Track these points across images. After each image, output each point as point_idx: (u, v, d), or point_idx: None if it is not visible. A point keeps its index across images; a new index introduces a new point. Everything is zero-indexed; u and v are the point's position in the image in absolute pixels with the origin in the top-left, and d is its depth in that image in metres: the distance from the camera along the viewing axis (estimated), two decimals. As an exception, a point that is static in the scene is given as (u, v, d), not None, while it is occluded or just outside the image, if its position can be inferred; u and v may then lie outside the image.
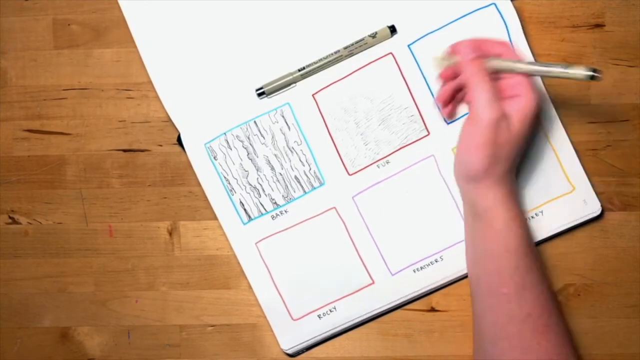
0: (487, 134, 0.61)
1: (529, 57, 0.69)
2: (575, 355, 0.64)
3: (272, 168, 0.71)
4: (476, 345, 0.67)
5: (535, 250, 0.65)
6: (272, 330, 0.72)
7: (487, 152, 0.61)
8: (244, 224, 0.72)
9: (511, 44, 0.66)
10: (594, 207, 0.70)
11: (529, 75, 0.62)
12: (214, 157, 0.71)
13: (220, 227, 0.72)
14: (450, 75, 0.66)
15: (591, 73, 0.58)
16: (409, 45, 0.70)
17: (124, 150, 0.74)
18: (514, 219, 0.63)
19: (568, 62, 0.65)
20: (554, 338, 0.62)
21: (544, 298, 0.63)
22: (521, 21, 0.70)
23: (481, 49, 0.64)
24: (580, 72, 0.59)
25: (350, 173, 0.71)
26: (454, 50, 0.65)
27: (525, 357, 0.62)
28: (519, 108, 0.61)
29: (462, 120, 0.70)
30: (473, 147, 0.62)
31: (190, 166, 0.72)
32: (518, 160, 0.65)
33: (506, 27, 0.69)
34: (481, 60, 0.63)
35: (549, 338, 0.62)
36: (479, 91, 0.61)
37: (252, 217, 0.71)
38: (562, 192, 0.70)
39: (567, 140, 0.70)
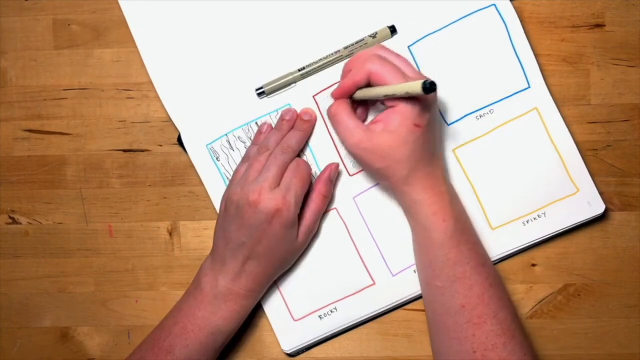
0: (358, 156, 0.65)
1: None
2: (517, 344, 0.64)
3: (274, 169, 0.71)
4: (429, 336, 0.69)
5: (470, 240, 0.66)
6: (272, 330, 0.72)
7: (371, 167, 0.65)
8: (245, 224, 0.72)
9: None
10: (598, 208, 0.70)
11: (385, 99, 0.63)
12: (217, 158, 0.71)
13: (220, 227, 0.72)
14: None
15: (422, 86, 0.58)
16: (409, 47, 0.70)
17: (124, 150, 0.74)
18: (435, 213, 0.64)
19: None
20: (489, 328, 0.63)
21: (478, 289, 0.64)
22: (521, 21, 0.69)
23: (352, 78, 0.66)
24: (415, 87, 0.59)
25: (351, 174, 0.71)
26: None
27: (462, 348, 0.63)
28: (393, 117, 0.63)
29: (463, 120, 0.70)
30: (364, 165, 0.67)
31: (190, 166, 0.72)
32: (419, 158, 0.64)
33: (506, 28, 0.69)
34: (338, 95, 0.67)
35: (483, 329, 0.63)
36: (335, 126, 0.66)
37: (254, 217, 0.72)
38: (566, 194, 0.70)
39: (570, 142, 0.70)
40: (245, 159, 0.69)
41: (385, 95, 0.63)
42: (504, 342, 0.63)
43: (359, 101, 0.68)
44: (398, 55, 0.66)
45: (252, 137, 0.71)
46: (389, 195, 0.71)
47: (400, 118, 0.62)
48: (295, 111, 0.71)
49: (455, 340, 0.64)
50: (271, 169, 0.66)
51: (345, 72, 0.67)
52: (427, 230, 0.65)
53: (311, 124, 0.71)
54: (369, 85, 0.65)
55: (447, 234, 0.64)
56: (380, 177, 0.67)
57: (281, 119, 0.70)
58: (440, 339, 0.65)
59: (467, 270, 0.64)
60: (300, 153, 0.70)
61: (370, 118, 0.69)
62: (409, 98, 0.62)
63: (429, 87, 0.58)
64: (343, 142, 0.65)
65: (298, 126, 0.70)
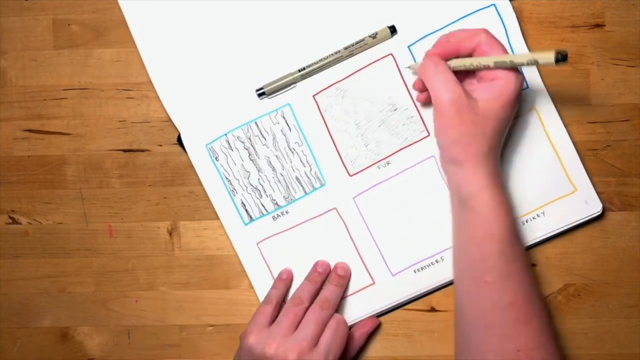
0: (449, 115, 0.62)
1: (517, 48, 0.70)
2: (555, 344, 0.64)
3: (273, 169, 0.71)
4: (457, 332, 0.67)
5: (520, 239, 0.65)
6: (272, 331, 0.72)
7: (457, 132, 0.62)
8: (246, 224, 0.72)
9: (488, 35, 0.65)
10: (595, 208, 0.70)
11: (491, 68, 0.62)
12: (216, 158, 0.71)
13: (220, 227, 0.72)
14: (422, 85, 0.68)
15: (555, 56, 0.57)
16: (409, 47, 0.70)
17: (124, 150, 0.74)
18: (499, 205, 0.63)
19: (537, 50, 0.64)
20: (534, 327, 0.62)
21: (527, 287, 0.63)
22: (521, 21, 0.69)
23: (454, 46, 0.64)
24: (545, 56, 0.58)
25: (351, 174, 0.71)
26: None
27: (504, 346, 0.62)
28: (490, 90, 0.62)
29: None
30: (443, 129, 0.64)
31: (190, 166, 0.72)
32: (497, 141, 0.64)
33: (505, 28, 0.69)
34: (435, 55, 0.64)
35: (529, 327, 0.62)
36: (433, 79, 0.63)
37: (254, 217, 0.72)
38: (564, 193, 0.70)
39: (568, 141, 0.70)
40: (267, 300, 0.69)
41: (499, 63, 0.61)
42: (547, 342, 0.63)
43: None
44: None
45: (251, 137, 0.71)
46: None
47: (501, 91, 0.62)
48: (329, 264, 0.71)
49: (498, 338, 0.62)
50: (310, 326, 0.65)
51: (443, 41, 0.65)
52: (489, 221, 0.63)
53: (347, 279, 0.71)
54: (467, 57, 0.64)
55: (508, 228, 0.63)
56: (458, 145, 0.63)
57: (314, 270, 0.70)
58: (481, 336, 0.63)
59: (518, 268, 0.63)
60: (301, 154, 0.71)
61: None
62: (511, 75, 0.61)
63: (563, 57, 0.57)
64: (439, 95, 0.63)
65: (334, 281, 0.70)
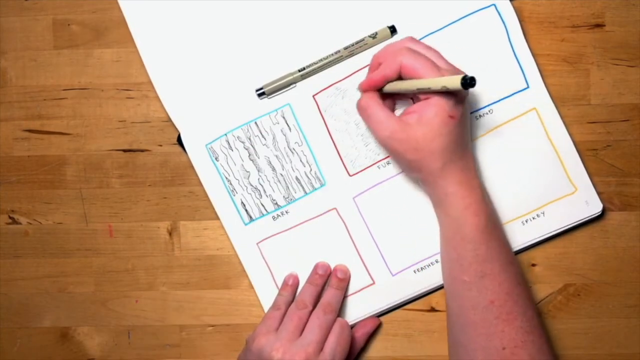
0: (391, 149, 0.65)
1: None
2: (542, 341, 0.64)
3: (273, 169, 0.71)
4: (448, 332, 0.68)
5: (498, 238, 0.65)
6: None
7: (403, 161, 0.66)
8: (246, 224, 0.72)
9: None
10: (595, 208, 0.70)
11: (419, 92, 0.63)
12: (216, 158, 0.71)
13: (220, 227, 0.72)
14: None
15: (461, 82, 0.58)
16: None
17: (124, 150, 0.74)
18: (467, 207, 0.64)
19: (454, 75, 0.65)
20: (519, 325, 0.63)
21: (507, 286, 0.63)
22: (521, 21, 0.69)
23: (384, 70, 0.65)
24: (453, 82, 0.58)
25: (351, 174, 0.71)
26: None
27: (490, 343, 0.63)
28: (428, 108, 0.62)
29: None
30: (397, 157, 0.67)
31: (190, 166, 0.72)
32: (452, 152, 0.63)
33: (505, 28, 0.69)
34: (367, 87, 0.66)
35: (513, 325, 0.63)
36: (367, 118, 0.66)
37: (254, 217, 0.72)
38: (564, 193, 0.70)
39: (569, 141, 0.70)
40: (275, 306, 0.69)
41: (420, 89, 0.62)
42: (533, 339, 0.63)
43: (387, 94, 0.67)
44: (429, 48, 0.65)
45: (251, 137, 0.71)
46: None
47: (435, 110, 0.62)
48: (329, 266, 0.71)
49: (484, 336, 0.63)
50: (315, 331, 0.66)
51: (374, 65, 0.67)
52: (459, 224, 0.64)
53: (347, 282, 0.71)
54: (399, 78, 0.65)
55: (479, 229, 0.64)
56: (412, 169, 0.66)
57: (315, 273, 0.71)
58: (467, 335, 0.65)
59: (496, 267, 0.64)
60: (301, 154, 0.71)
61: (398, 110, 0.69)
62: (440, 94, 0.62)
63: (469, 82, 0.57)
64: (375, 134, 0.65)
65: (335, 284, 0.70)
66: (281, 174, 0.71)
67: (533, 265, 0.72)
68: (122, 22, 0.72)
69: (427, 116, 0.62)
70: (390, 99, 0.68)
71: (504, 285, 0.63)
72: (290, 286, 0.71)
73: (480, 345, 0.63)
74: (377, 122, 0.64)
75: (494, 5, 0.69)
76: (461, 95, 0.63)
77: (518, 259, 0.70)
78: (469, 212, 0.64)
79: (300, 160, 0.71)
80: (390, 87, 0.65)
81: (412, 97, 0.67)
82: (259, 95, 0.71)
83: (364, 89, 0.67)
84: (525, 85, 0.70)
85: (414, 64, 0.63)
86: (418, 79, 0.62)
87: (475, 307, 0.64)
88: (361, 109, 0.66)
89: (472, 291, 0.64)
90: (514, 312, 0.63)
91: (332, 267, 0.71)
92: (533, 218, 0.70)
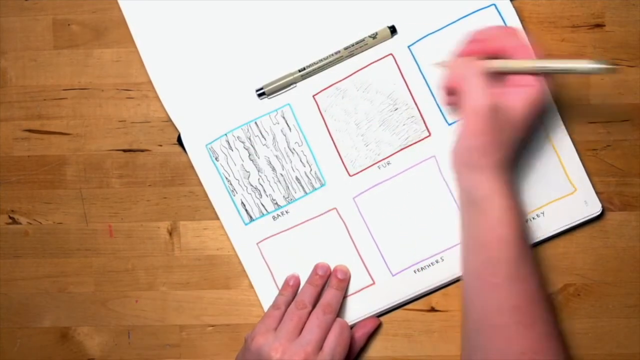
0: (479, 122, 0.61)
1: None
2: (559, 346, 0.63)
3: (273, 169, 0.71)
4: (463, 332, 0.67)
5: (529, 242, 0.65)
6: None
7: (481, 139, 0.62)
8: (246, 224, 0.72)
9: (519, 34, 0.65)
10: (594, 208, 0.70)
11: (528, 73, 0.62)
12: (216, 158, 0.71)
13: (220, 227, 0.72)
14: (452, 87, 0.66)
15: (604, 66, 0.57)
16: (409, 47, 0.70)
17: (124, 150, 0.74)
18: (510, 208, 0.63)
19: (570, 57, 0.64)
20: (539, 331, 0.62)
21: (533, 291, 0.63)
22: (521, 21, 0.69)
23: (485, 45, 0.64)
24: (590, 65, 0.58)
25: (351, 174, 0.71)
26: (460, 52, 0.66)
27: (509, 348, 0.62)
28: (521, 97, 0.62)
29: (463, 120, 0.70)
30: (468, 134, 0.63)
31: (190, 166, 0.72)
32: (517, 149, 0.64)
33: (506, 27, 0.69)
34: (471, 57, 0.64)
35: (534, 330, 0.62)
36: (468, 82, 0.62)
37: (254, 217, 0.72)
38: (564, 194, 0.70)
39: (568, 141, 0.70)
40: (275, 306, 0.69)
41: (540, 68, 0.61)
42: (552, 345, 0.62)
43: None
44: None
45: (251, 137, 0.71)
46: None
47: (529, 99, 0.61)
48: (329, 266, 0.71)
49: (504, 340, 0.62)
50: (314, 330, 0.66)
51: (475, 41, 0.65)
52: (498, 224, 0.62)
53: (346, 282, 0.71)
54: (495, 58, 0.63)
55: (517, 231, 0.62)
56: (480, 152, 0.62)
57: (315, 273, 0.71)
58: (486, 337, 0.63)
59: (526, 271, 0.63)
60: (301, 154, 0.71)
61: None
62: (540, 83, 0.61)
63: (612, 68, 0.57)
64: (474, 101, 0.61)
65: (335, 285, 0.70)
66: (281, 174, 0.71)
67: (533, 265, 0.72)
68: (122, 22, 0.72)
69: (520, 102, 0.61)
70: None
71: (531, 290, 0.62)
72: (291, 286, 0.71)
73: (499, 348, 0.62)
74: (476, 88, 0.62)
75: (494, 5, 0.69)
76: (546, 95, 0.62)
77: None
78: (511, 214, 0.62)
79: (300, 160, 0.71)
80: (497, 65, 0.63)
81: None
82: (259, 95, 0.71)
83: (467, 52, 0.64)
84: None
85: (525, 46, 0.63)
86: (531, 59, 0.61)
87: (500, 310, 0.62)
88: (460, 70, 0.63)
89: (500, 294, 0.62)
90: (536, 318, 0.62)
91: (332, 267, 0.71)
92: (533, 218, 0.70)
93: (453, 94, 0.65)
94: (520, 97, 0.62)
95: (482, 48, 0.64)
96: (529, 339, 0.62)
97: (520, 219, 0.63)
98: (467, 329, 0.66)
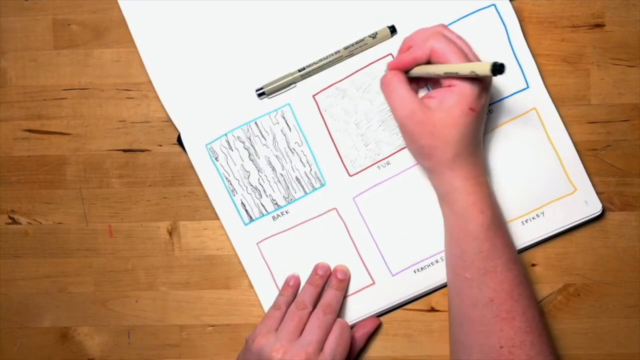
0: (407, 129, 0.64)
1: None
2: (543, 342, 0.64)
3: (273, 169, 0.71)
4: (449, 327, 0.68)
5: (503, 235, 0.65)
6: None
7: (416, 145, 0.65)
8: (246, 224, 0.72)
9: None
10: (595, 208, 0.70)
11: (445, 77, 0.63)
12: (215, 158, 0.71)
13: (220, 227, 0.72)
14: None
15: (491, 68, 0.57)
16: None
17: (124, 150, 0.74)
18: (474, 204, 0.64)
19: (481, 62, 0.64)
20: (518, 325, 0.63)
21: (508, 284, 0.63)
22: (521, 21, 0.69)
23: (414, 52, 0.65)
24: (483, 68, 0.58)
25: (351, 174, 0.71)
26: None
27: (488, 342, 0.63)
28: (450, 96, 0.62)
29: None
30: (405, 142, 0.67)
31: (190, 166, 0.72)
32: (465, 145, 0.63)
33: (505, 28, 0.69)
34: (395, 66, 0.66)
35: (512, 325, 0.63)
36: (389, 95, 0.65)
37: (254, 217, 0.72)
38: (564, 193, 0.70)
39: (568, 141, 0.70)
40: (276, 306, 0.69)
41: (447, 73, 0.62)
42: (532, 340, 0.63)
43: (411, 79, 0.67)
44: (460, 37, 0.65)
45: (251, 137, 0.71)
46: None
47: (457, 98, 0.62)
48: (329, 266, 0.71)
49: (482, 334, 0.63)
50: (315, 331, 0.66)
51: (404, 48, 0.67)
52: (463, 220, 0.64)
53: (347, 282, 0.71)
54: (427, 63, 0.64)
55: (484, 226, 0.63)
56: (423, 155, 0.65)
57: (315, 273, 0.71)
58: (465, 331, 0.65)
59: (498, 265, 0.63)
60: (301, 154, 0.71)
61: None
62: (468, 80, 0.62)
63: (498, 68, 0.57)
64: (395, 112, 0.64)
65: (335, 285, 0.70)
66: (281, 174, 0.71)
67: (533, 265, 0.72)
68: (122, 22, 0.72)
69: (448, 103, 0.62)
70: (414, 85, 0.68)
71: (505, 283, 0.63)
72: (291, 287, 0.71)
73: (478, 342, 0.63)
74: (398, 99, 0.64)
75: (494, 5, 0.69)
76: (485, 88, 0.63)
77: (521, 259, 0.70)
78: (474, 209, 0.64)
79: (300, 160, 0.71)
80: (418, 70, 0.65)
81: (434, 84, 0.67)
82: (259, 95, 0.71)
83: (392, 67, 0.66)
84: (525, 85, 0.70)
85: (445, 49, 0.63)
86: (447, 64, 0.62)
87: (475, 304, 0.63)
88: (385, 84, 0.66)
89: (473, 288, 0.64)
90: (513, 312, 0.63)
91: (332, 267, 0.71)
92: (533, 218, 0.70)
93: None
94: (447, 98, 0.62)
95: (412, 55, 0.65)
96: (506, 333, 0.62)
97: (485, 213, 0.64)
98: (450, 325, 0.67)
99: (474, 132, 0.63)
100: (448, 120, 0.62)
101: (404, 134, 0.66)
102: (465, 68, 0.60)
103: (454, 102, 0.62)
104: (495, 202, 0.67)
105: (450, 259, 0.66)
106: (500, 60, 0.58)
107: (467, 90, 0.62)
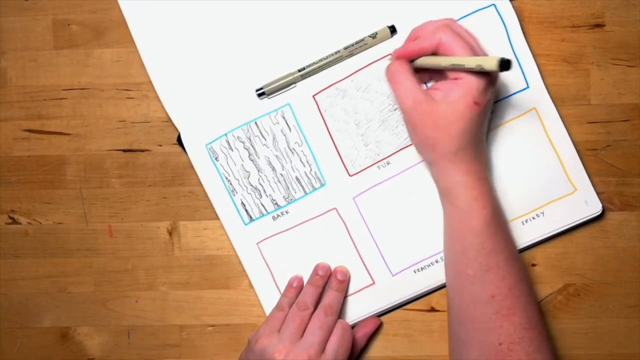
0: (411, 120, 0.64)
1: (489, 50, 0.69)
2: (541, 338, 0.64)
3: (273, 169, 0.71)
4: (448, 325, 0.68)
5: (504, 232, 0.65)
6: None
7: (420, 136, 0.64)
8: (246, 224, 0.72)
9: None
10: (595, 208, 0.70)
11: (452, 69, 0.63)
12: (216, 158, 0.71)
13: (220, 227, 0.72)
14: None
15: (498, 63, 0.58)
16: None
17: (124, 150, 0.74)
18: (476, 199, 0.63)
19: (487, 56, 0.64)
20: (517, 321, 0.63)
21: (510, 281, 0.63)
22: (521, 21, 0.69)
23: (421, 43, 0.65)
24: (490, 62, 0.58)
25: (351, 174, 0.71)
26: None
27: (488, 339, 0.63)
28: (455, 89, 0.62)
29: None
30: (409, 133, 0.67)
31: (190, 166, 0.72)
32: (468, 139, 0.63)
33: (505, 28, 0.69)
34: (401, 56, 0.66)
35: (512, 321, 0.62)
36: (395, 85, 0.65)
37: (254, 217, 0.72)
38: (564, 193, 0.70)
39: (568, 141, 0.70)
40: (279, 307, 0.69)
41: (454, 65, 0.62)
42: (531, 336, 0.63)
43: (417, 70, 0.66)
44: (468, 32, 0.65)
45: (251, 137, 0.71)
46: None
47: (463, 91, 0.62)
48: (329, 266, 0.71)
49: (482, 331, 0.63)
50: (317, 332, 0.66)
51: (412, 37, 0.66)
52: (466, 215, 0.64)
53: (347, 283, 0.71)
54: (434, 54, 0.64)
55: (486, 221, 0.63)
56: (426, 147, 0.65)
57: (315, 274, 0.71)
58: (465, 329, 0.65)
59: (500, 261, 0.63)
60: (301, 154, 0.71)
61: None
62: (475, 74, 0.61)
63: (506, 64, 0.57)
64: (400, 102, 0.64)
65: (335, 286, 0.70)
66: (281, 174, 0.71)
67: (533, 265, 0.72)
68: (122, 22, 0.72)
69: (453, 96, 0.62)
70: (419, 76, 0.67)
71: (507, 280, 0.63)
72: (294, 288, 0.71)
73: (477, 339, 0.63)
74: (403, 89, 0.64)
75: (494, 5, 0.69)
76: (490, 83, 0.62)
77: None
78: (476, 204, 0.63)
79: (300, 160, 0.71)
80: (424, 61, 0.65)
81: (439, 78, 0.67)
82: (259, 95, 0.71)
83: (398, 55, 0.66)
84: (525, 85, 0.70)
85: (453, 42, 0.62)
86: (454, 56, 0.62)
87: (476, 302, 0.63)
88: (390, 73, 0.65)
89: (475, 285, 0.63)
90: (513, 308, 0.63)
91: (332, 267, 0.71)
92: (533, 218, 0.70)
93: None
94: (452, 91, 0.62)
95: (419, 45, 0.65)
96: (505, 329, 0.62)
97: (487, 209, 0.64)
98: (449, 322, 0.67)
99: (477, 126, 0.63)
100: (452, 113, 0.62)
101: (407, 125, 0.66)
102: (472, 61, 0.60)
103: (459, 95, 0.62)
104: (496, 198, 0.67)
105: (451, 256, 0.66)
106: (506, 57, 0.58)
107: (472, 83, 0.62)
